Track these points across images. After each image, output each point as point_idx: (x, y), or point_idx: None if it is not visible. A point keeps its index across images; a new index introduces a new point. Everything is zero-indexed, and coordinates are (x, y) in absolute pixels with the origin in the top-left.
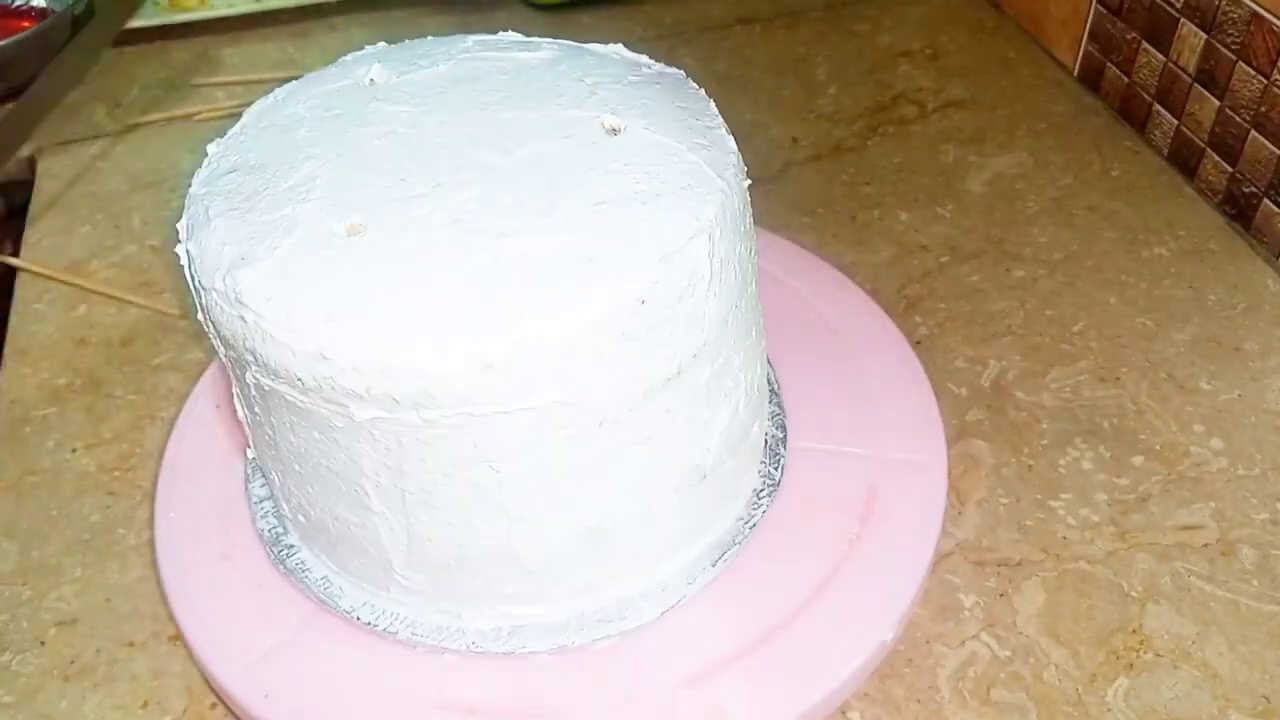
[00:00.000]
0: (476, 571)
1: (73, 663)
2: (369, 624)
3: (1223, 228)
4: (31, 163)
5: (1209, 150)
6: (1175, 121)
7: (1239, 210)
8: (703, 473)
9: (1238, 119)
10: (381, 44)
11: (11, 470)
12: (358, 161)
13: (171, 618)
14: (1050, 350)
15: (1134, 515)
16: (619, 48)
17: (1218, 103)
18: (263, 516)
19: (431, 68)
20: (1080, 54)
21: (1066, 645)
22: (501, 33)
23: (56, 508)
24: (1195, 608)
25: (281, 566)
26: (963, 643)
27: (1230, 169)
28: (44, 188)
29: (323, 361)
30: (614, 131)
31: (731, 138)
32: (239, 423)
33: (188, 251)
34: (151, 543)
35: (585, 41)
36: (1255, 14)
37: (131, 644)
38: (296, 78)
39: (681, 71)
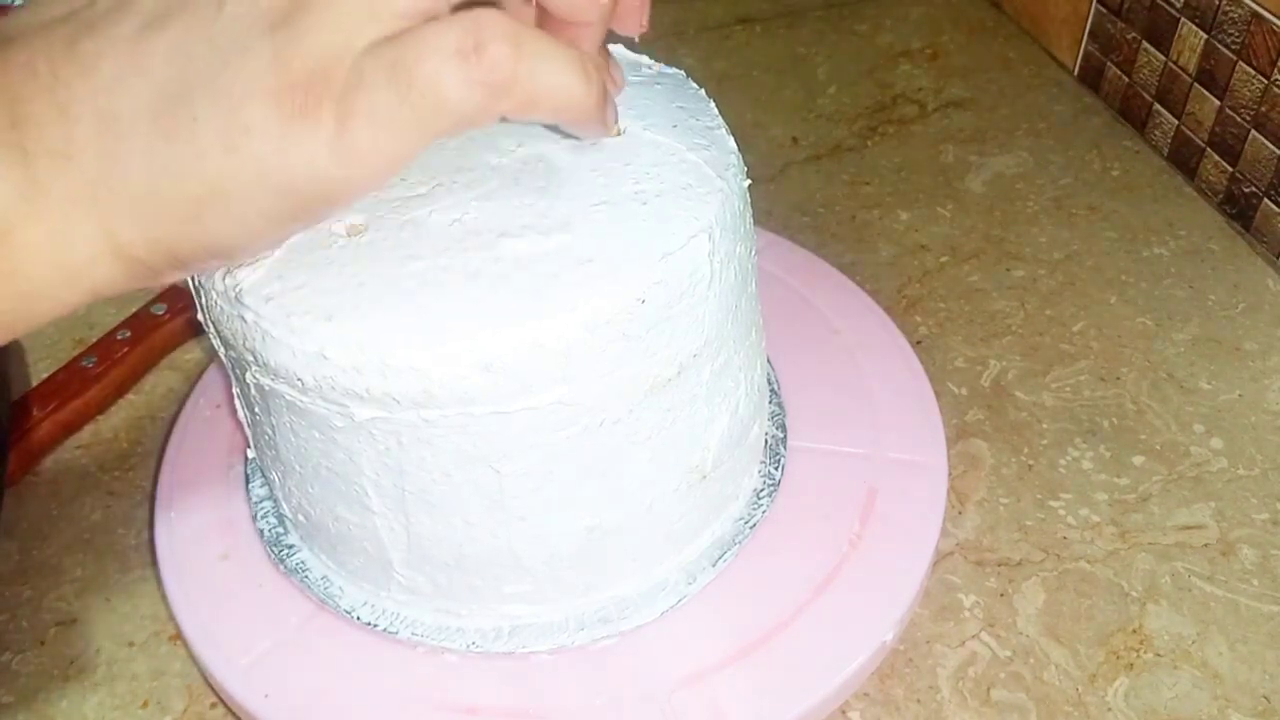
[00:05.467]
0: (476, 571)
1: (73, 663)
2: (369, 624)
3: (1223, 228)
4: None
5: (1209, 150)
6: (1175, 121)
7: (1239, 210)
8: (703, 472)
9: (1238, 119)
10: None
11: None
12: None
13: (171, 618)
14: (1050, 350)
15: (1134, 515)
16: (619, 48)
17: (1218, 103)
18: (263, 516)
19: None
20: (1080, 54)
21: (1066, 645)
22: None
23: (56, 508)
24: (1195, 608)
25: (281, 566)
26: (963, 643)
27: (1230, 169)
28: None
29: (323, 361)
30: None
31: (732, 138)
32: (239, 423)
33: None
34: (151, 543)
35: None
36: (1255, 14)
37: (131, 644)
38: None
39: (682, 72)
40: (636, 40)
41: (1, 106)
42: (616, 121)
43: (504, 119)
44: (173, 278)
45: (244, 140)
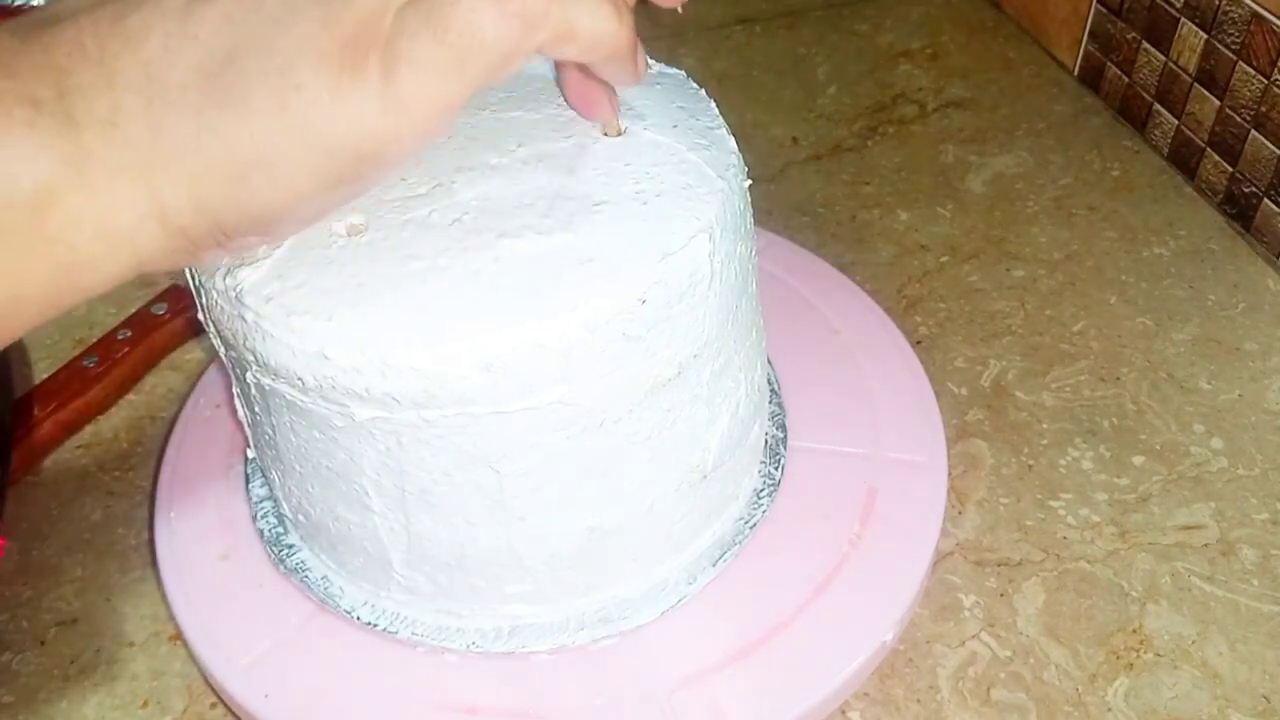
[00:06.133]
0: (477, 571)
1: (73, 663)
2: (369, 624)
3: (1223, 228)
4: None
5: (1209, 150)
6: (1175, 121)
7: (1239, 210)
8: (703, 472)
9: (1238, 119)
10: None
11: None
12: None
13: (171, 617)
14: (1050, 350)
15: (1134, 515)
16: None
17: (1218, 103)
18: (263, 516)
19: None
20: (1080, 54)
21: (1066, 645)
22: None
23: (56, 508)
24: (1195, 608)
25: (281, 566)
26: (963, 643)
27: (1230, 169)
28: None
29: (323, 361)
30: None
31: (732, 138)
32: (239, 423)
33: None
34: (151, 543)
35: None
36: (1255, 14)
37: (131, 644)
38: None
39: (682, 72)
40: (680, 10)
41: (48, 80)
42: (648, 68)
43: (541, 54)
44: (211, 254)
45: (294, 98)
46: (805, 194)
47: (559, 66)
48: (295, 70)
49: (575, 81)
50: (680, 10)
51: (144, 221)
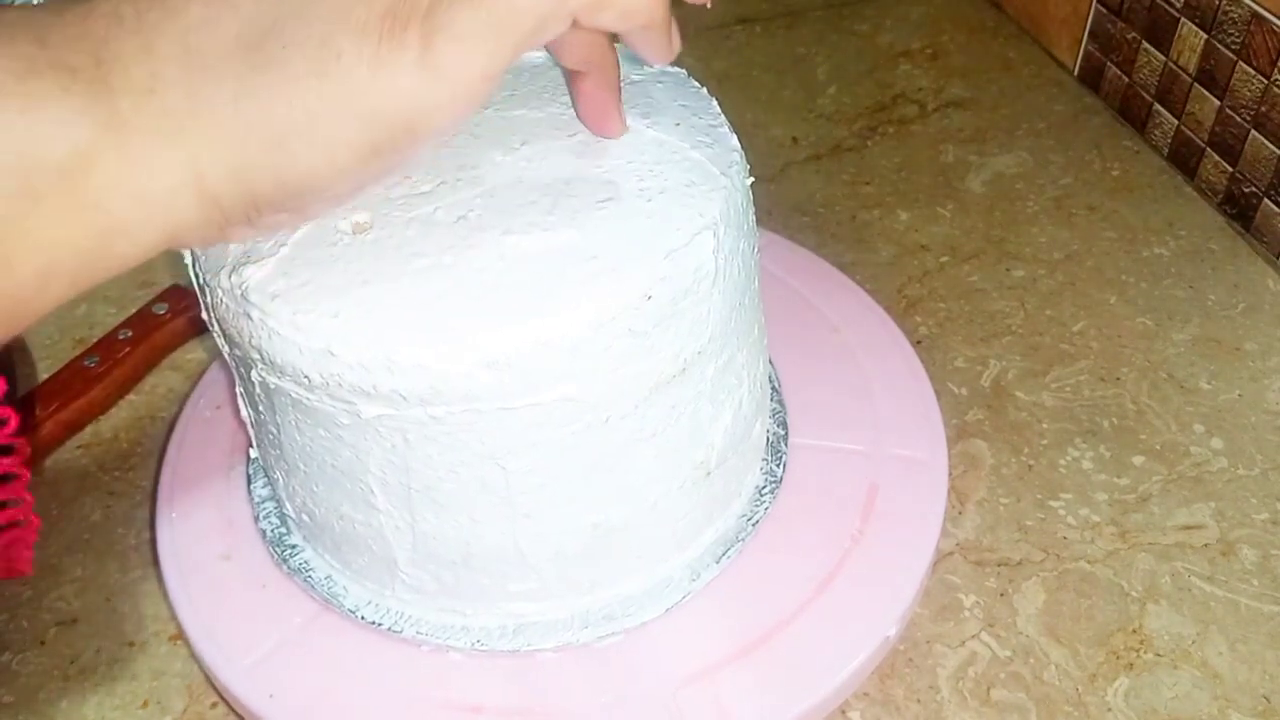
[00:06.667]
0: (482, 569)
1: (73, 663)
2: (373, 623)
3: (1223, 228)
4: None
5: (1209, 150)
6: (1175, 121)
7: (1239, 210)
8: (706, 469)
9: (1238, 119)
10: None
11: None
12: None
13: (172, 617)
14: (1050, 350)
15: (1134, 515)
16: (621, 47)
17: (1218, 102)
18: (265, 516)
19: None
20: (1080, 54)
21: (1066, 645)
22: None
23: (57, 508)
24: (1195, 608)
25: (284, 566)
26: (963, 643)
27: (1230, 169)
28: None
29: (329, 358)
30: None
31: (734, 135)
32: (241, 423)
33: (192, 249)
34: (152, 543)
35: None
36: (1255, 14)
37: (131, 644)
38: None
39: (683, 71)
40: (709, 6)
41: (85, 48)
42: (679, 48)
43: (579, 23)
44: (240, 231)
45: (334, 67)
46: (805, 194)
47: (574, 80)
48: (335, 40)
49: (588, 95)
50: (709, 5)
51: (180, 190)
